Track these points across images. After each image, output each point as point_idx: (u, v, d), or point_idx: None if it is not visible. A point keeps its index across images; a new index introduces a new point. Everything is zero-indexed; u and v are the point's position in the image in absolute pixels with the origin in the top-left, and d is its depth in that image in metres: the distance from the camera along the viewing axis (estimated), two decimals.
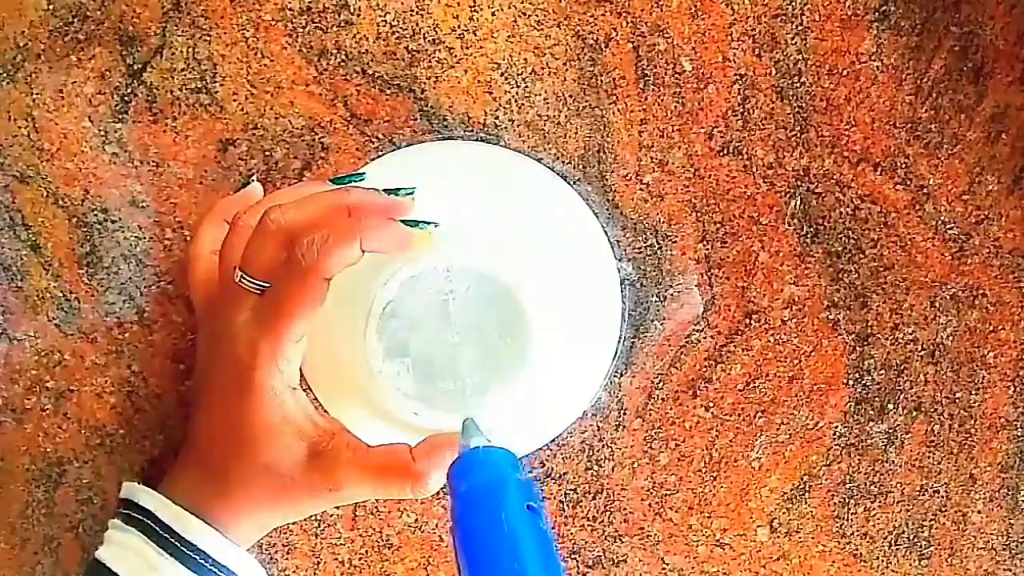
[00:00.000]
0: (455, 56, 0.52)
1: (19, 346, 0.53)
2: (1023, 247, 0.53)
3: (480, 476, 0.41)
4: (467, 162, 0.52)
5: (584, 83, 0.52)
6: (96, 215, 0.52)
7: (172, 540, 0.44)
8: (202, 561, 0.44)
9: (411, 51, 0.51)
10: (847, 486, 0.54)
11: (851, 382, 0.54)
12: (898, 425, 0.54)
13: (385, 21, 0.51)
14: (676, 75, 0.52)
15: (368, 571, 0.54)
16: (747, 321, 0.53)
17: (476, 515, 0.40)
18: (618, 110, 0.52)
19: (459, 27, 0.51)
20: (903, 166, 0.52)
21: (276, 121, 0.52)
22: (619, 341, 0.53)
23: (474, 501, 0.40)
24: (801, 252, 0.53)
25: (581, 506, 0.54)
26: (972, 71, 0.52)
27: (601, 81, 0.52)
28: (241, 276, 0.45)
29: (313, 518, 0.53)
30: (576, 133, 0.52)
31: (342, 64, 0.51)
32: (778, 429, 0.54)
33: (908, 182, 0.52)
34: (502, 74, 0.52)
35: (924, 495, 0.54)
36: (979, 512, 0.54)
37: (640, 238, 0.53)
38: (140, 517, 0.45)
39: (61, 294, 0.52)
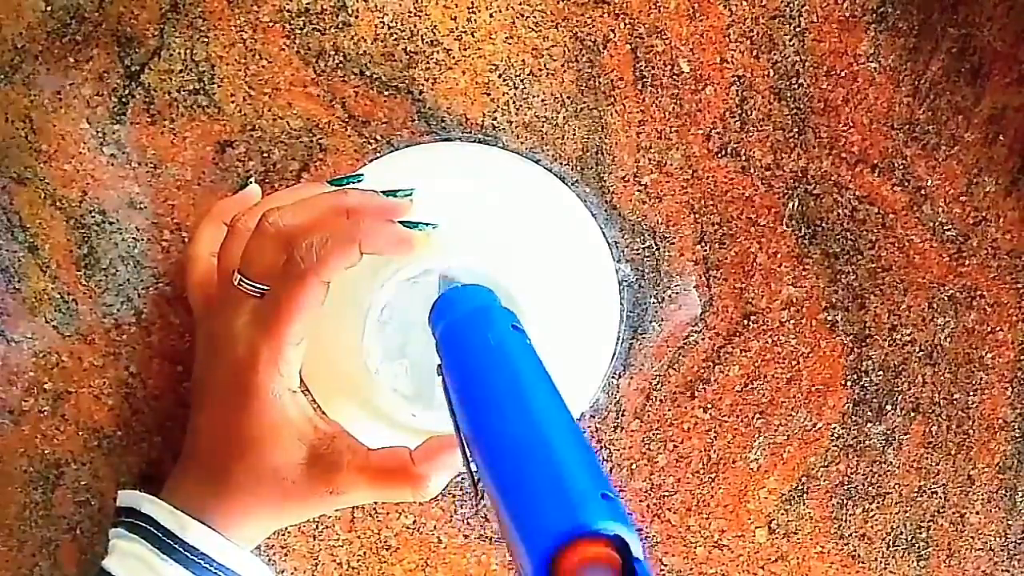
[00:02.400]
0: (453, 57, 0.52)
1: (17, 348, 0.53)
2: (1021, 248, 0.53)
3: (462, 306, 0.40)
4: (465, 163, 0.52)
5: (582, 84, 0.52)
6: (94, 216, 0.52)
7: (174, 544, 0.44)
8: (205, 565, 0.44)
9: (409, 52, 0.51)
10: (845, 487, 0.54)
11: (849, 383, 0.54)
12: (896, 426, 0.54)
13: (383, 22, 0.51)
14: (674, 76, 0.52)
15: (366, 572, 0.54)
16: (745, 322, 0.53)
17: (462, 340, 0.38)
18: (616, 111, 0.52)
19: (457, 28, 0.51)
20: (901, 167, 0.52)
21: (274, 122, 0.52)
22: (617, 342, 0.53)
23: (458, 328, 0.39)
24: (799, 253, 0.53)
25: None
26: (970, 72, 0.52)
27: (599, 82, 0.52)
28: (240, 279, 0.45)
29: (311, 520, 0.53)
30: (574, 134, 0.52)
31: (340, 65, 0.51)
32: (776, 430, 0.54)
33: (906, 183, 0.52)
34: (500, 75, 0.52)
35: (922, 496, 0.54)
36: (977, 513, 0.54)
37: (638, 239, 0.53)
38: (143, 525, 0.45)
39: (59, 296, 0.52)
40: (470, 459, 0.37)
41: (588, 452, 0.33)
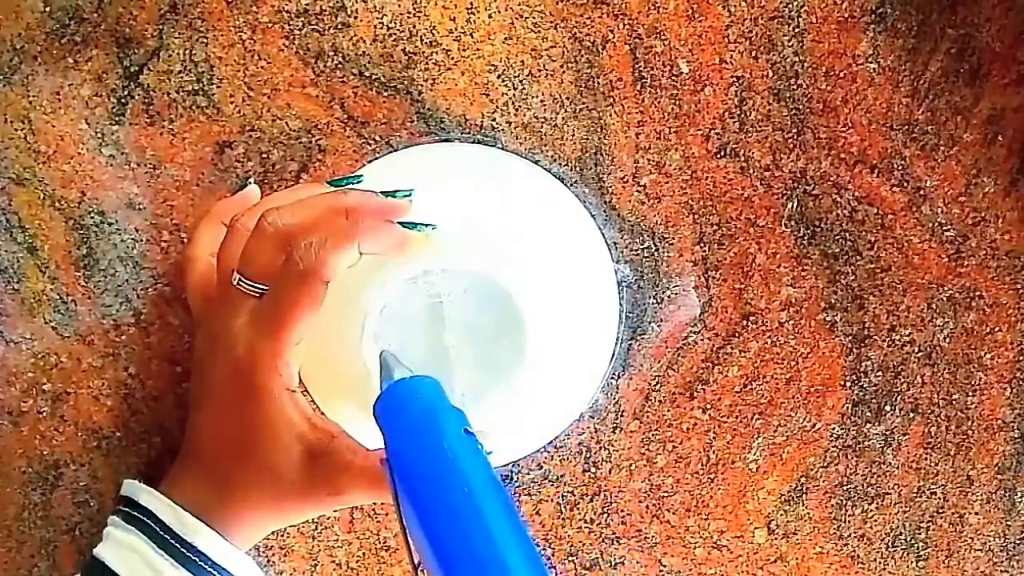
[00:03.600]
0: (452, 58, 0.52)
1: (16, 348, 0.52)
2: (1020, 248, 0.53)
3: (412, 407, 0.39)
4: (464, 164, 0.52)
5: (581, 85, 0.52)
6: (93, 217, 0.52)
7: (172, 541, 0.44)
8: (202, 563, 0.44)
9: (408, 53, 0.51)
10: (844, 488, 0.54)
11: (848, 384, 0.54)
12: (895, 427, 0.54)
13: (382, 23, 0.51)
14: (673, 77, 0.52)
15: (365, 573, 0.54)
16: (744, 323, 0.53)
17: (415, 447, 0.38)
18: (615, 112, 0.52)
19: (456, 29, 0.51)
20: (900, 168, 0.52)
21: (273, 123, 0.52)
22: (616, 343, 0.53)
23: (411, 433, 0.38)
24: (798, 254, 0.53)
25: (578, 508, 0.54)
26: (969, 73, 0.52)
27: (598, 83, 0.52)
28: (239, 279, 0.45)
29: (310, 520, 0.53)
30: (573, 135, 0.52)
31: (339, 66, 0.51)
32: (775, 431, 0.54)
33: (905, 184, 0.52)
34: (499, 76, 0.52)
35: (921, 497, 0.54)
36: (976, 513, 0.54)
37: (637, 240, 0.53)
38: (141, 517, 0.45)
39: (58, 296, 0.52)
40: (415, 558, 0.37)
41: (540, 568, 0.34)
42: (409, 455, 0.38)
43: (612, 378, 0.53)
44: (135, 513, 0.46)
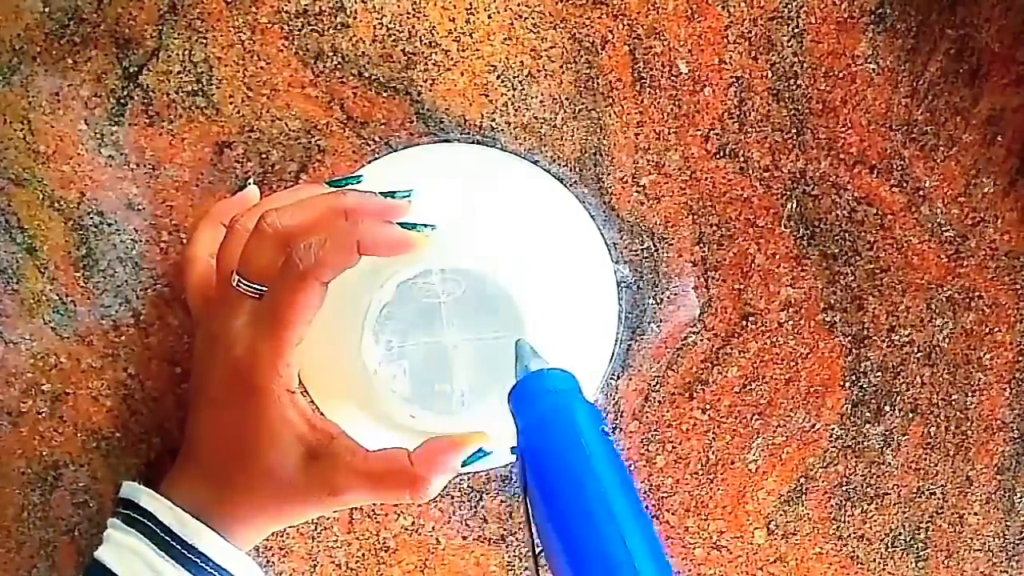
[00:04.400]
0: (451, 59, 0.52)
1: (15, 349, 0.52)
2: (1019, 249, 0.53)
3: (550, 400, 0.39)
4: (464, 165, 0.52)
5: (580, 86, 0.52)
6: (92, 218, 0.52)
7: (173, 543, 0.44)
8: (203, 564, 0.44)
9: (407, 54, 0.51)
10: (844, 488, 0.54)
11: (847, 384, 0.54)
12: (894, 427, 0.54)
13: (381, 24, 0.51)
14: (672, 78, 0.52)
15: (365, 574, 0.54)
16: (743, 323, 0.53)
17: (552, 441, 0.37)
18: (614, 112, 0.52)
19: (455, 30, 0.51)
20: (899, 168, 0.52)
21: (272, 124, 0.52)
22: (615, 343, 0.53)
23: (548, 427, 0.38)
24: (797, 254, 0.53)
25: None
26: (968, 73, 0.52)
27: (597, 84, 0.52)
28: (239, 280, 0.45)
29: (310, 521, 0.53)
30: (572, 135, 0.52)
31: (338, 67, 0.51)
32: (775, 431, 0.54)
33: (904, 184, 0.53)
34: (498, 77, 0.52)
35: (921, 497, 0.54)
36: (976, 514, 0.54)
37: (636, 240, 0.53)
38: (141, 519, 0.45)
39: (57, 297, 0.52)
40: (537, 548, 0.37)
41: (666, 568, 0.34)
42: (545, 449, 0.37)
43: (611, 378, 0.53)
44: (135, 515, 0.46)
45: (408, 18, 0.51)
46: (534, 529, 0.37)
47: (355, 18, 0.51)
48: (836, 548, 0.54)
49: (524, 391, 0.40)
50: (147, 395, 0.53)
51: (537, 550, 0.37)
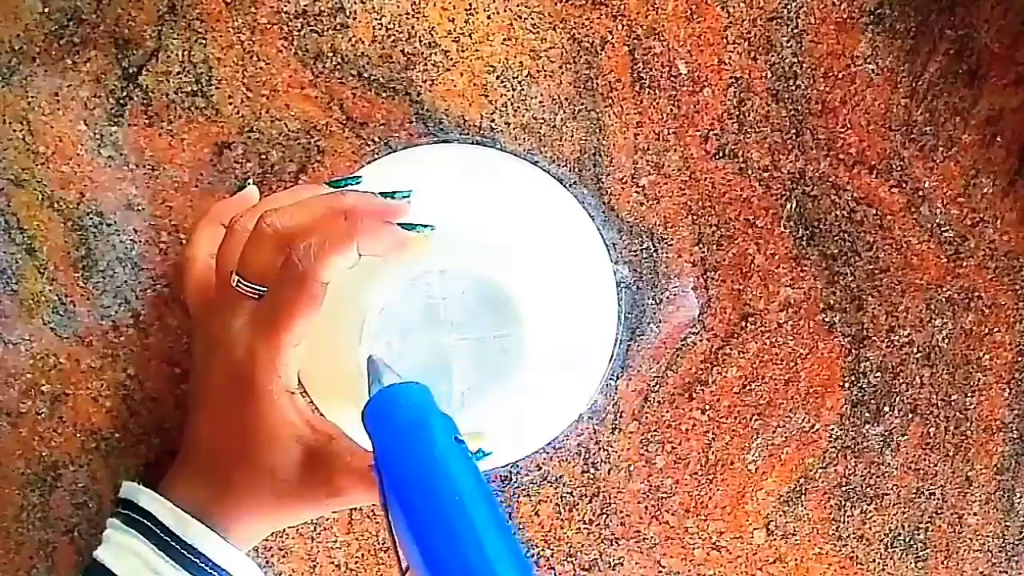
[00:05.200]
0: (451, 59, 0.52)
1: (14, 349, 0.52)
2: (1018, 249, 0.53)
3: (402, 414, 0.39)
4: (463, 165, 0.52)
5: (580, 86, 0.52)
6: (91, 218, 0.52)
7: (172, 543, 0.44)
8: (202, 564, 0.44)
9: (407, 54, 0.51)
10: (843, 488, 0.54)
11: (847, 384, 0.54)
12: (894, 427, 0.54)
13: (381, 24, 0.51)
14: (672, 78, 0.52)
15: (364, 574, 0.54)
16: (743, 324, 0.53)
17: (404, 453, 0.38)
18: (614, 113, 0.52)
19: (455, 30, 0.51)
20: (899, 169, 0.52)
21: (272, 124, 0.52)
22: (615, 344, 0.53)
23: (400, 439, 0.38)
24: (797, 255, 0.53)
25: (577, 509, 0.54)
26: (967, 74, 0.52)
27: (597, 84, 0.52)
28: (238, 280, 0.44)
29: (309, 521, 0.53)
30: (572, 136, 0.52)
31: (338, 67, 0.51)
32: (774, 432, 0.54)
33: (903, 185, 0.53)
34: (498, 77, 0.52)
35: (920, 497, 0.54)
36: (975, 514, 0.54)
37: (636, 241, 0.53)
38: (140, 519, 0.45)
39: (56, 297, 0.52)
40: (403, 563, 0.37)
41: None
42: (399, 462, 0.38)
43: (611, 379, 0.53)
44: (135, 515, 0.46)
45: (407, 19, 0.51)
46: (398, 544, 0.37)
47: (354, 19, 0.51)
48: (835, 548, 0.54)
49: (377, 406, 0.40)
50: (146, 395, 0.53)
51: (403, 565, 0.37)
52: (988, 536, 0.54)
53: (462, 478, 0.37)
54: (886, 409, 0.54)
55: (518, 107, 0.52)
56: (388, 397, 0.41)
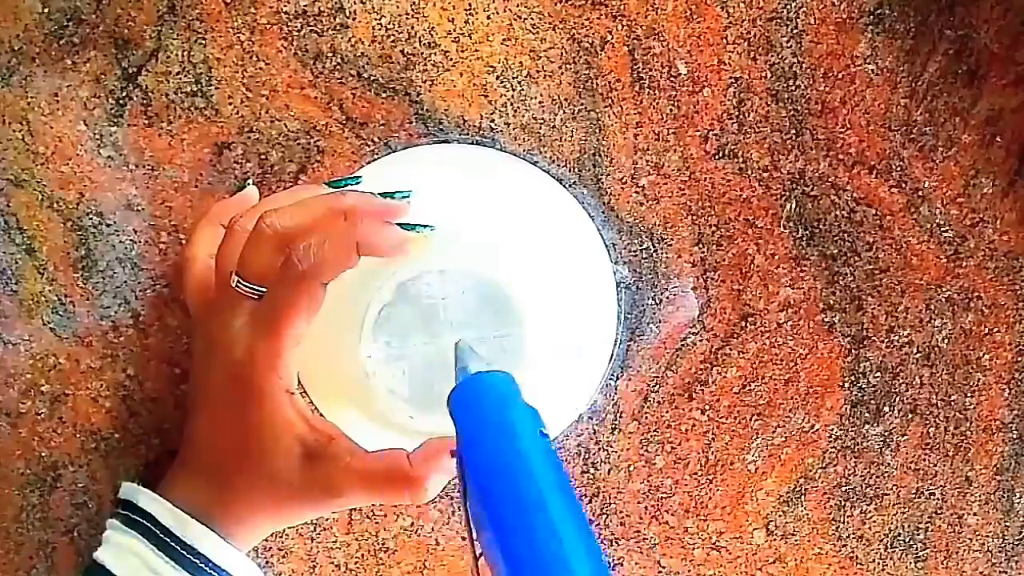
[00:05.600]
0: (451, 59, 0.52)
1: (14, 350, 0.52)
2: (1018, 249, 0.53)
3: (487, 403, 0.40)
4: (463, 165, 0.52)
5: (579, 86, 0.52)
6: (91, 219, 0.52)
7: (172, 544, 0.44)
8: (202, 565, 0.44)
9: (407, 54, 0.51)
10: (843, 489, 0.54)
11: (847, 385, 0.54)
12: (894, 428, 0.54)
13: (380, 24, 0.51)
14: (671, 78, 0.52)
15: (364, 575, 0.54)
16: (743, 324, 0.53)
17: (488, 444, 0.38)
18: (613, 113, 0.52)
19: (454, 30, 0.51)
20: (898, 169, 0.52)
21: (272, 124, 0.52)
22: (615, 344, 0.53)
23: (485, 430, 0.38)
24: (796, 255, 0.53)
25: None
26: (967, 74, 0.52)
27: (596, 84, 0.52)
28: (238, 281, 0.44)
29: (309, 522, 0.53)
30: (571, 136, 0.52)
31: (338, 67, 0.51)
32: (774, 432, 0.54)
33: (903, 185, 0.53)
34: (497, 77, 0.52)
35: (920, 497, 0.54)
36: (975, 514, 0.54)
37: (636, 241, 0.53)
38: (140, 520, 0.45)
39: (56, 298, 0.52)
40: (476, 550, 0.37)
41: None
42: (482, 452, 0.38)
43: (611, 379, 0.53)
44: (134, 516, 0.46)
45: (407, 19, 0.51)
46: (474, 533, 0.37)
47: (354, 19, 0.51)
48: (835, 549, 0.54)
49: (463, 394, 0.40)
50: (146, 396, 0.53)
51: (477, 553, 0.37)
52: (988, 536, 0.54)
53: (545, 473, 0.37)
54: (886, 409, 0.54)
55: (518, 107, 0.52)
56: (475, 385, 0.40)
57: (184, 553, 0.44)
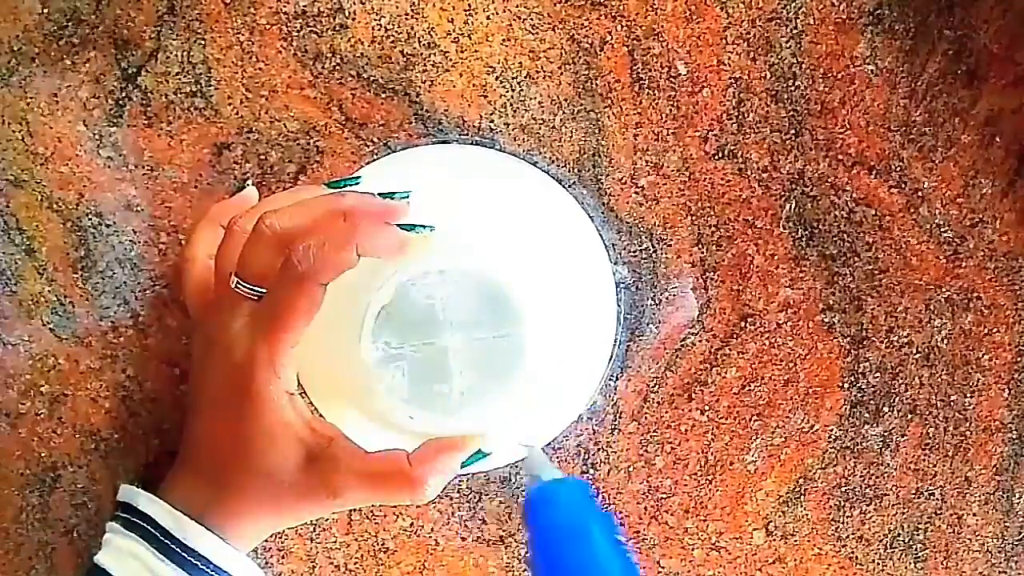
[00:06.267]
0: (450, 60, 0.52)
1: (13, 350, 0.52)
2: (1017, 250, 0.53)
3: (564, 513, 0.40)
4: (462, 165, 0.52)
5: (579, 87, 0.52)
6: (91, 219, 0.52)
7: (172, 546, 0.44)
8: (202, 566, 0.44)
9: (406, 55, 0.51)
10: (842, 489, 0.54)
11: (846, 385, 0.54)
12: (893, 428, 0.54)
13: (380, 25, 0.51)
14: (671, 79, 0.52)
15: (363, 575, 0.54)
16: (742, 324, 0.53)
17: (566, 556, 0.38)
18: (613, 113, 0.52)
19: (454, 31, 0.51)
20: (898, 169, 0.52)
21: (271, 125, 0.52)
22: (614, 344, 0.53)
23: (562, 541, 0.39)
24: (796, 255, 0.53)
25: None
26: (966, 75, 0.52)
27: (596, 85, 0.52)
28: (237, 282, 0.44)
29: (309, 522, 0.53)
30: (571, 136, 0.52)
31: (337, 68, 0.51)
32: (773, 432, 0.54)
33: (903, 185, 0.53)
34: (497, 78, 0.52)
35: (919, 498, 0.54)
36: (974, 515, 0.54)
37: (635, 241, 0.53)
38: (140, 522, 0.45)
39: (55, 298, 0.52)
40: None
41: None
42: (559, 563, 0.38)
43: (610, 379, 0.53)
44: (134, 519, 0.46)
45: (407, 19, 0.51)
46: None
47: (354, 19, 0.51)
48: (835, 549, 0.54)
49: (538, 503, 0.41)
50: (146, 396, 0.53)
51: None
52: (987, 536, 0.54)
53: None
54: (885, 409, 0.54)
55: (517, 108, 0.52)
56: (550, 494, 0.41)
57: (184, 555, 0.44)
